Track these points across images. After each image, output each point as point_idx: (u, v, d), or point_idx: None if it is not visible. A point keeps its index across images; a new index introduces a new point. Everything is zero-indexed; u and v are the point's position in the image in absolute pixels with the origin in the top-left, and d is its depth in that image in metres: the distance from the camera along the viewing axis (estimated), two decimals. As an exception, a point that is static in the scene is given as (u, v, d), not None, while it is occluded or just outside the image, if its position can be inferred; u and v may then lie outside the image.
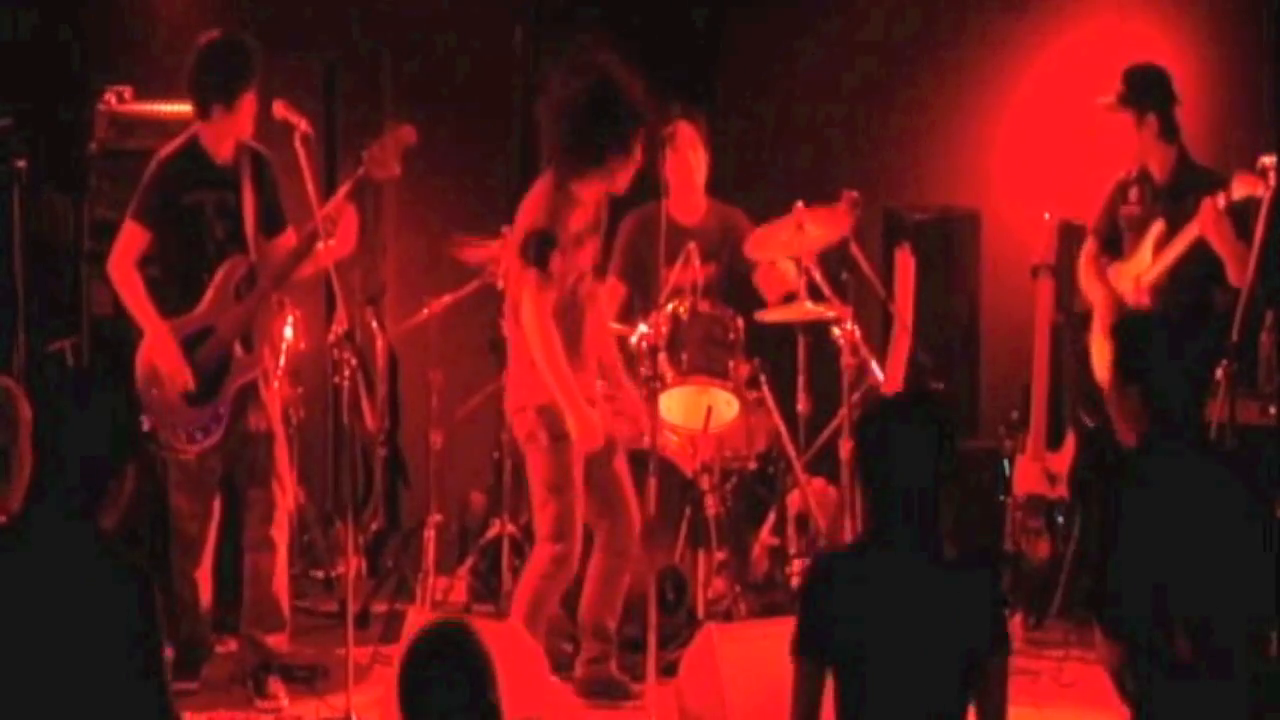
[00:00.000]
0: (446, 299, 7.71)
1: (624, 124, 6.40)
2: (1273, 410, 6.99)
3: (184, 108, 7.03)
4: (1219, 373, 6.53)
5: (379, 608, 7.55)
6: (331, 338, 7.05)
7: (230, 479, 6.81)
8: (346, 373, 6.80)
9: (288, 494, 6.84)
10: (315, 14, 8.82)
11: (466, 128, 8.76)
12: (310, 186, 6.44)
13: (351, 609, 6.42)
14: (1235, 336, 6.58)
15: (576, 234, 6.42)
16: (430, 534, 7.56)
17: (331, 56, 8.85)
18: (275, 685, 6.70)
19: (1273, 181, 6.57)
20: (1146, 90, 7.05)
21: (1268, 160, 6.74)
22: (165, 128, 7.10)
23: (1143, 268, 6.95)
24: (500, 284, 7.35)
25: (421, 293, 7.90)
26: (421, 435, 7.94)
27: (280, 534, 6.75)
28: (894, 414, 4.41)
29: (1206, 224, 6.69)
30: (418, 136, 6.67)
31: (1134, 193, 6.91)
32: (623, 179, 6.52)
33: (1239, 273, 6.61)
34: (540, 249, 6.29)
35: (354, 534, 6.69)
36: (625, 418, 6.73)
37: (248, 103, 6.66)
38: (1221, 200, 6.66)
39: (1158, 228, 6.87)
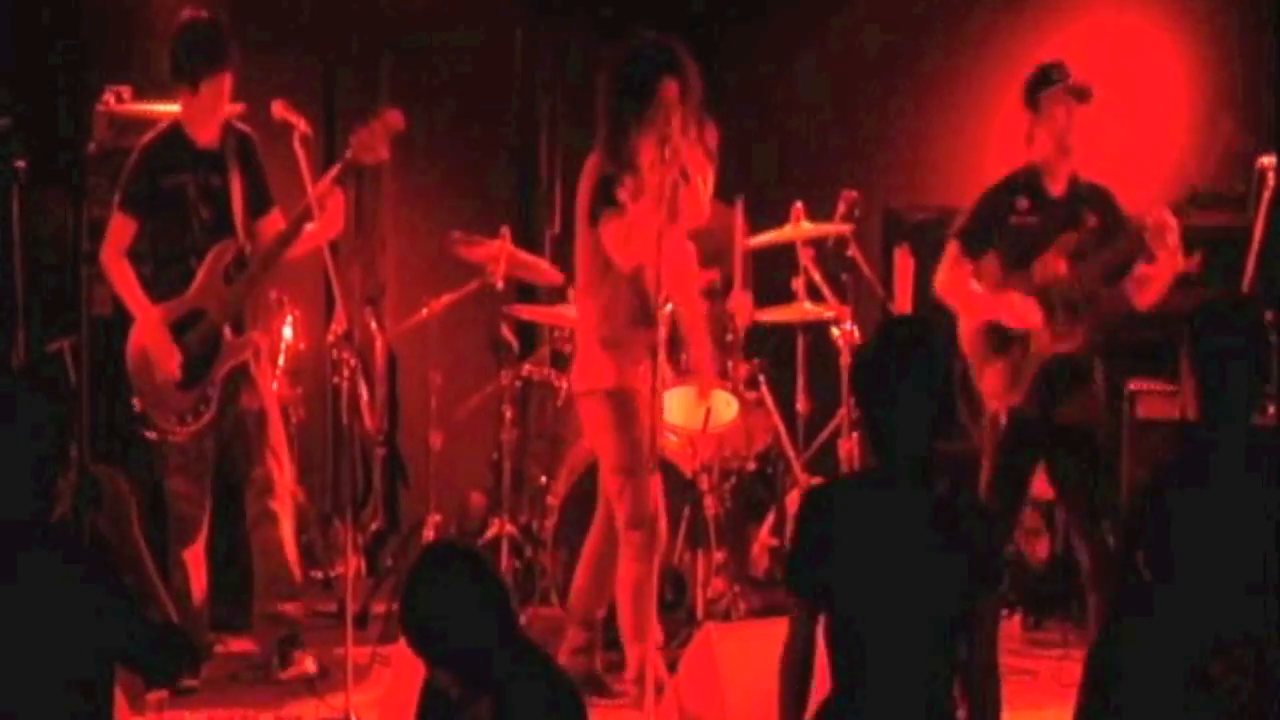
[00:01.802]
0: (446, 299, 7.71)
1: (635, 83, 6.33)
2: (1272, 410, 6.99)
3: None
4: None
5: (378, 608, 7.55)
6: (331, 338, 7.05)
7: (224, 468, 6.81)
8: (346, 373, 6.80)
9: (285, 470, 6.85)
10: (315, 14, 8.82)
11: (466, 127, 8.77)
12: (309, 186, 6.45)
13: (351, 609, 6.41)
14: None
15: (634, 193, 6.34)
16: (429, 534, 7.56)
17: (331, 56, 8.85)
18: (300, 655, 6.74)
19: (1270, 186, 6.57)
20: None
21: (1267, 160, 6.73)
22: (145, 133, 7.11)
23: (1054, 279, 6.65)
24: (500, 284, 7.36)
25: (421, 292, 7.90)
26: (421, 435, 7.94)
27: (282, 506, 6.78)
28: (889, 339, 4.43)
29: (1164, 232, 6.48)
30: (407, 126, 6.65)
31: (1023, 202, 6.52)
32: (658, 141, 6.28)
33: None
34: (603, 190, 6.28)
35: (353, 534, 6.69)
36: (689, 375, 6.69)
37: (217, 86, 6.67)
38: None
39: (1068, 240, 6.48)
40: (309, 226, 6.56)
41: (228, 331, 6.74)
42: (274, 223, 6.80)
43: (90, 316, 7.71)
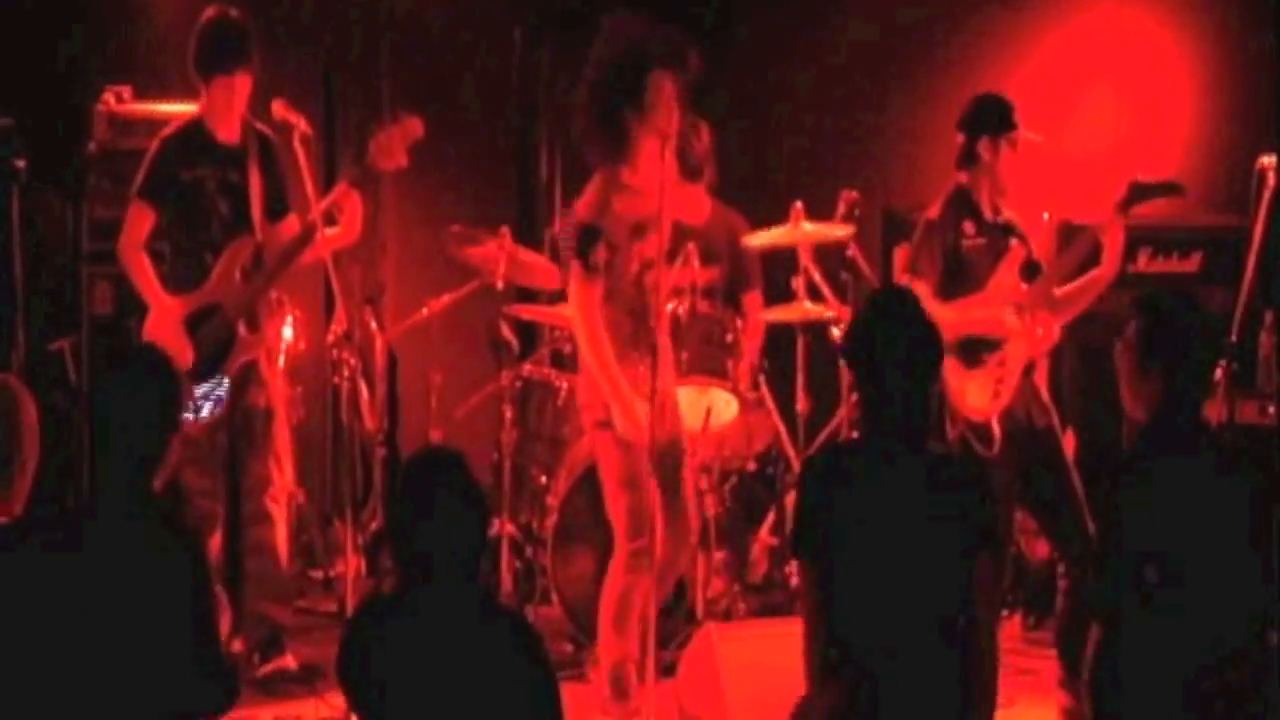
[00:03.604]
0: (446, 299, 7.71)
1: (627, 78, 6.23)
2: (1272, 410, 6.99)
3: (183, 108, 7.04)
4: (1218, 372, 6.54)
5: (378, 607, 7.54)
6: (331, 338, 7.06)
7: (234, 458, 6.82)
8: (346, 373, 6.81)
9: (285, 472, 6.85)
10: (315, 14, 8.82)
11: (466, 127, 8.77)
12: (309, 186, 6.46)
13: (351, 609, 6.41)
14: (1234, 336, 6.58)
15: (633, 223, 6.25)
16: (430, 534, 7.55)
17: (331, 56, 8.86)
18: (284, 657, 6.73)
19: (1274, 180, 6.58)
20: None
21: (1267, 160, 6.73)
22: (164, 128, 7.11)
23: (1013, 292, 6.52)
24: (500, 284, 7.36)
25: (421, 292, 7.90)
26: (421, 435, 7.94)
27: (277, 508, 6.77)
28: (880, 312, 4.53)
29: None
30: (423, 131, 6.67)
31: (969, 226, 6.51)
32: (659, 139, 6.19)
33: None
34: (582, 242, 6.24)
35: (353, 534, 6.69)
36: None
37: (240, 81, 6.67)
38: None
39: (1018, 253, 6.50)
40: (332, 231, 6.57)
41: (242, 327, 6.74)
42: (289, 228, 6.80)
43: (90, 316, 7.74)
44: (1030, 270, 6.55)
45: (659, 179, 6.18)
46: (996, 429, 6.37)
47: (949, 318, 6.37)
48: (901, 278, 6.56)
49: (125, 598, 4.11)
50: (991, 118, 6.50)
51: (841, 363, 7.24)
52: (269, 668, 6.75)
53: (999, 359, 6.42)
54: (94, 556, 4.14)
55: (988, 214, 6.54)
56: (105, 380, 4.38)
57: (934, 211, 6.53)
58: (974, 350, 6.42)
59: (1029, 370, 6.45)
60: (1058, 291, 6.52)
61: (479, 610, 4.11)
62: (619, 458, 6.24)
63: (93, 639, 4.09)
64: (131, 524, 4.20)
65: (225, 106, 6.73)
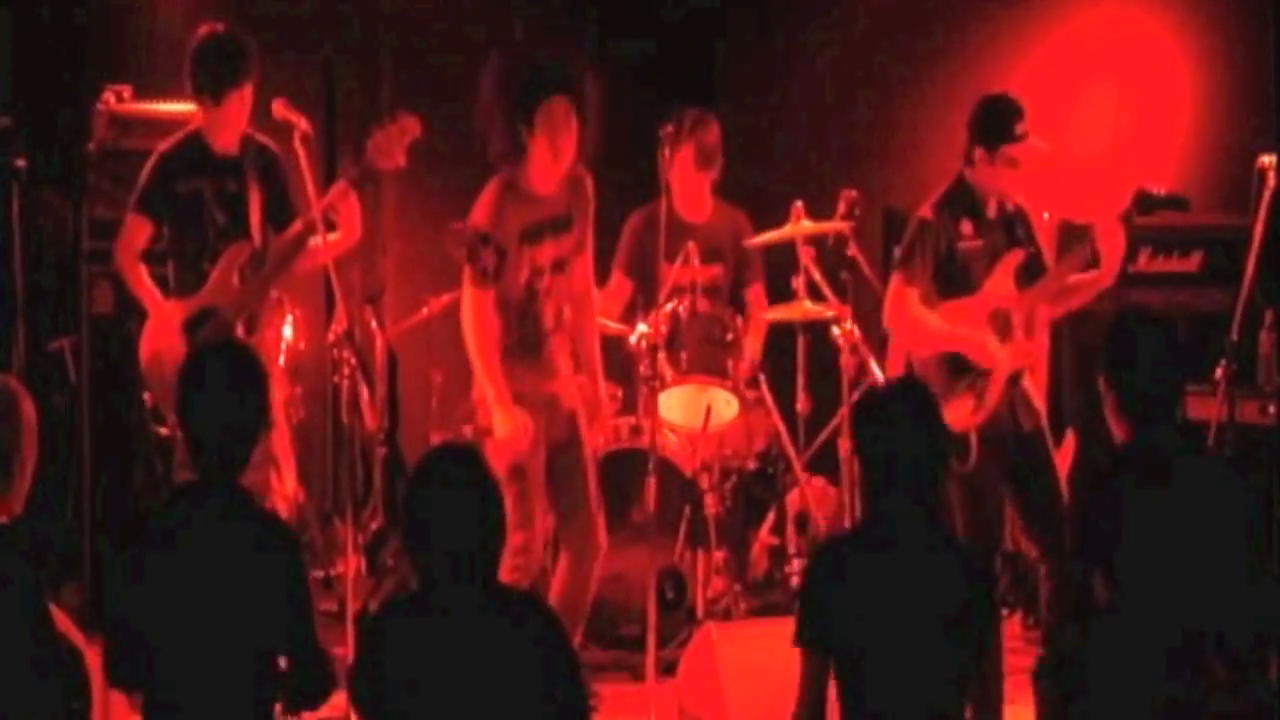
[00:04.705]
0: (446, 298, 7.70)
1: (523, 98, 6.29)
2: (1272, 410, 6.99)
3: (183, 107, 7.04)
4: (1218, 372, 6.53)
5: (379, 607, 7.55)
6: (331, 337, 7.05)
7: None
8: (346, 372, 6.80)
9: (285, 480, 6.84)
10: (315, 12, 8.82)
11: (466, 127, 8.75)
12: (310, 186, 6.45)
13: (351, 608, 6.42)
14: (1235, 336, 6.58)
15: (526, 228, 6.29)
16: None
17: (331, 55, 8.86)
18: None
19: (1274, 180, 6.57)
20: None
21: (1267, 160, 6.73)
22: (164, 128, 7.11)
23: (1007, 297, 6.42)
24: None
25: (421, 292, 7.90)
26: (421, 435, 7.94)
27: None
28: (889, 400, 4.50)
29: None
30: (421, 131, 6.67)
31: (967, 226, 6.40)
32: (551, 157, 6.29)
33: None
34: (472, 247, 6.30)
35: (353, 533, 6.69)
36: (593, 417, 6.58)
37: (240, 98, 6.67)
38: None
39: (1015, 257, 6.42)
40: (333, 236, 6.57)
41: (240, 330, 6.74)
42: (291, 231, 6.79)
43: (90, 316, 7.73)
44: (1028, 272, 6.49)
45: (559, 185, 6.30)
46: (974, 441, 6.32)
47: (936, 331, 6.35)
48: (894, 277, 6.49)
49: (229, 592, 4.26)
50: (990, 130, 6.35)
51: (842, 362, 7.24)
52: None
53: (983, 371, 6.37)
54: (198, 552, 4.28)
55: (990, 210, 6.45)
56: (194, 376, 4.50)
57: (928, 210, 6.43)
58: (958, 362, 6.37)
59: (1014, 379, 6.39)
60: (1054, 284, 6.45)
61: (500, 606, 4.11)
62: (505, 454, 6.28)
63: (199, 633, 4.25)
64: (233, 521, 4.33)
65: (230, 121, 6.72)
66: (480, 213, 6.33)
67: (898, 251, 6.50)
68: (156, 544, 4.34)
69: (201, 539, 4.31)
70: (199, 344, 6.64)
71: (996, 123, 6.36)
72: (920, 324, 6.34)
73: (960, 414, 6.21)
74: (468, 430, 6.58)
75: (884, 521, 4.36)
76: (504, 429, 6.22)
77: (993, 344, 6.32)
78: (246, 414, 4.42)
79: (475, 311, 6.29)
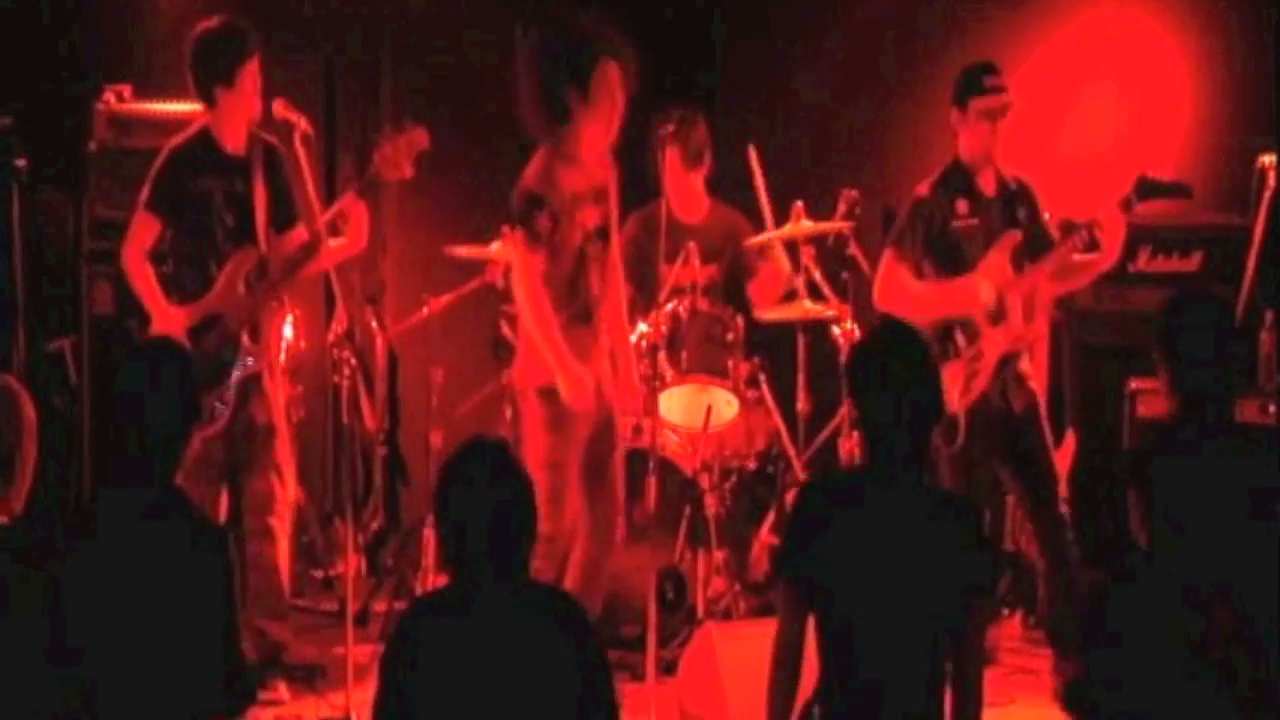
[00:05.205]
0: (446, 298, 7.71)
1: (574, 63, 6.27)
2: (1272, 409, 7.00)
3: (183, 107, 7.04)
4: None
5: (379, 607, 7.56)
6: (331, 337, 7.05)
7: (232, 471, 6.81)
8: (346, 372, 6.80)
9: (287, 486, 6.83)
10: (315, 14, 8.82)
11: (466, 127, 8.76)
12: (310, 185, 6.45)
13: (351, 608, 6.42)
14: (1234, 335, 6.58)
15: (574, 195, 6.28)
16: (429, 533, 7.54)
17: (331, 55, 8.86)
18: (278, 682, 6.70)
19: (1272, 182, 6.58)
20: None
21: (1267, 160, 6.74)
22: (164, 127, 7.11)
23: (1002, 278, 6.50)
24: (500, 283, 7.36)
25: (421, 292, 7.90)
26: (421, 435, 7.94)
27: (280, 524, 6.75)
28: (874, 340, 4.52)
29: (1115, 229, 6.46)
30: (428, 143, 6.66)
31: (962, 205, 6.48)
32: (603, 123, 6.31)
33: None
34: (525, 210, 6.27)
35: (354, 533, 6.70)
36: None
37: (250, 73, 6.65)
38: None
39: (1011, 239, 6.46)
40: (338, 241, 6.57)
41: (245, 338, 6.72)
42: (297, 237, 6.78)
43: (90, 316, 7.74)
44: (1030, 251, 6.47)
45: (601, 154, 6.27)
46: (962, 422, 6.33)
47: (924, 295, 6.36)
48: (885, 253, 6.49)
49: (159, 592, 4.23)
50: (960, 89, 6.43)
51: (842, 362, 7.25)
52: (265, 698, 6.70)
53: (975, 351, 6.38)
54: (127, 550, 4.25)
55: (986, 189, 6.45)
56: (124, 371, 4.46)
57: (924, 188, 6.45)
58: (950, 340, 6.39)
59: (1007, 360, 6.39)
60: (1055, 263, 6.43)
61: (534, 603, 4.10)
62: (546, 439, 6.29)
63: (127, 633, 4.22)
64: (162, 519, 4.30)
65: (236, 115, 6.70)
66: (532, 176, 6.30)
67: (891, 229, 6.54)
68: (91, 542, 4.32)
69: (133, 538, 4.29)
70: (199, 350, 6.65)
71: (964, 79, 6.44)
72: (909, 295, 6.37)
73: (950, 394, 6.23)
74: (507, 411, 6.46)
75: (883, 461, 4.34)
76: (569, 389, 6.20)
77: (983, 290, 6.32)
78: (168, 415, 4.37)
79: (528, 275, 6.25)
